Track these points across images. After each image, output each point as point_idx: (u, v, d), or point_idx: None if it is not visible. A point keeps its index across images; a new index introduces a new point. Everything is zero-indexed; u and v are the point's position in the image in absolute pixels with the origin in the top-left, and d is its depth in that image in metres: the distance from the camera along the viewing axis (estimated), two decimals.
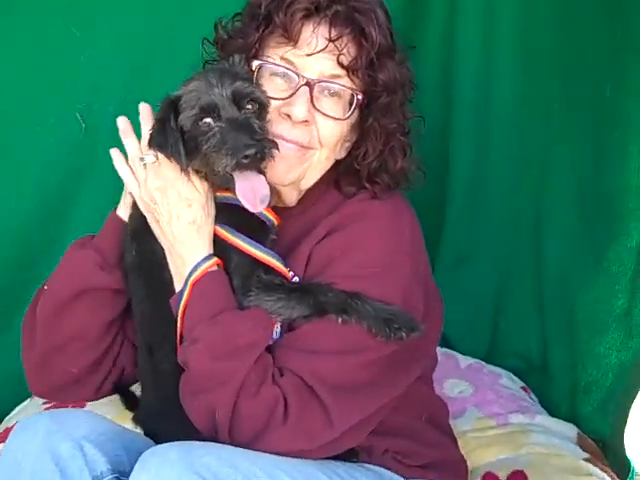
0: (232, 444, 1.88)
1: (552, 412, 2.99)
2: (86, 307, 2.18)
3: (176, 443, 1.81)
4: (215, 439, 1.89)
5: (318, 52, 2.04)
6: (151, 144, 2.02)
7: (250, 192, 1.97)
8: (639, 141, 2.56)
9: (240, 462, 1.79)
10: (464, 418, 2.86)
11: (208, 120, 1.98)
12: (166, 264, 2.08)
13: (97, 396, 2.37)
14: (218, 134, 1.96)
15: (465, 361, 3.26)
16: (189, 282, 2.00)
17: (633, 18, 2.51)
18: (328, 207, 2.18)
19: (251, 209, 1.98)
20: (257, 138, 1.95)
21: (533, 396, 3.15)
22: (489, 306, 3.42)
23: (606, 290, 2.74)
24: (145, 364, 2.19)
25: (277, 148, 2.00)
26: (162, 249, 2.09)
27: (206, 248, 2.04)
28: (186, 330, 1.99)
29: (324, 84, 2.07)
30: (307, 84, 2.05)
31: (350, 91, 2.09)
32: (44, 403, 2.97)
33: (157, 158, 2.03)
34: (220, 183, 2.04)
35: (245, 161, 1.91)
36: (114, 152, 2.12)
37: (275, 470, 1.82)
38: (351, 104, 2.11)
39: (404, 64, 2.15)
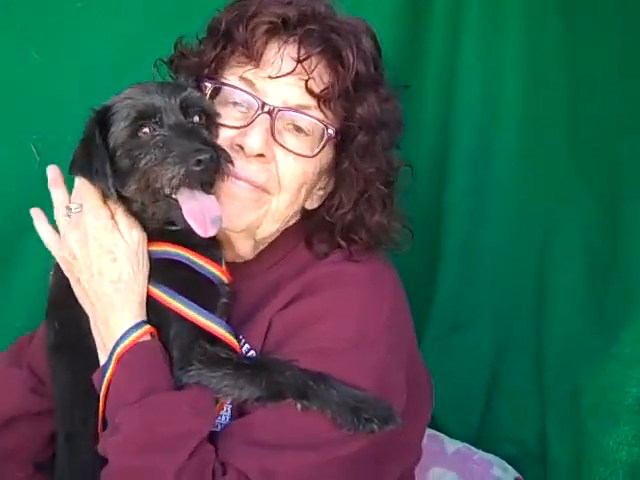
0: None
1: None
2: (20, 431, 1.99)
3: None
4: None
5: (283, 75, 1.79)
6: (73, 169, 1.77)
7: (199, 213, 1.69)
8: None
9: None
10: None
11: (147, 129, 1.71)
12: (91, 334, 1.79)
13: None
14: (161, 143, 1.67)
15: (452, 445, 2.92)
16: (114, 355, 1.70)
17: None
18: (295, 268, 1.90)
19: (201, 233, 1.69)
20: (210, 143, 1.69)
21: None
22: (482, 383, 3.10)
23: (617, 376, 2.46)
24: (63, 456, 1.88)
25: (232, 163, 1.74)
26: (87, 317, 1.80)
27: (135, 313, 1.74)
28: (109, 414, 1.69)
29: (288, 114, 1.81)
30: (268, 112, 1.79)
31: (320, 125, 1.83)
32: None
33: (82, 207, 1.78)
34: (160, 212, 1.75)
35: (197, 168, 1.63)
36: (34, 212, 1.91)
37: None
38: (322, 140, 1.83)
39: (391, 101, 1.90)
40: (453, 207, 3.04)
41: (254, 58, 1.79)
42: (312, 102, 1.81)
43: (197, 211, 1.68)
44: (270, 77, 1.79)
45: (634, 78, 2.45)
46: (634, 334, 2.43)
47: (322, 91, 1.80)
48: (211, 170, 1.66)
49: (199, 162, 1.62)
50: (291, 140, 1.82)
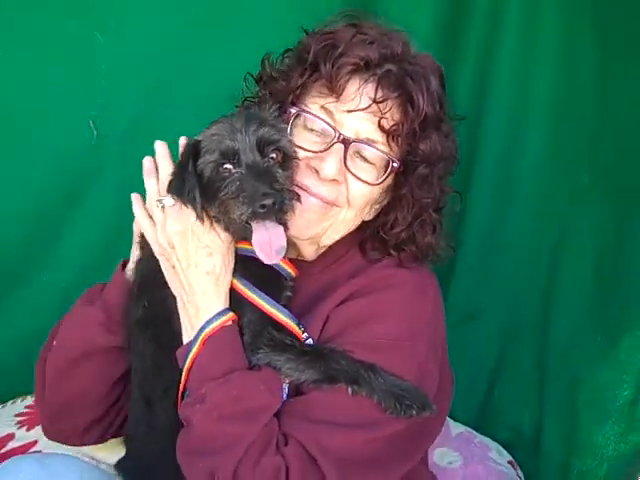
0: None
1: None
2: (93, 367, 2.13)
3: None
4: None
5: (360, 110, 1.95)
6: (170, 190, 1.95)
7: (266, 243, 1.89)
8: None
9: None
10: None
11: (228, 166, 1.90)
12: (176, 314, 1.98)
13: (102, 441, 2.32)
14: (237, 181, 1.88)
15: (456, 429, 3.15)
16: (201, 335, 1.90)
17: None
18: (350, 269, 2.09)
19: (266, 260, 1.90)
20: (277, 188, 1.87)
21: (520, 473, 3.03)
22: (486, 371, 3.30)
23: (612, 377, 2.61)
24: (140, 417, 2.09)
25: (299, 200, 1.92)
26: (173, 298, 1.99)
27: (222, 301, 1.94)
28: (192, 386, 1.89)
29: (360, 146, 1.97)
30: (343, 141, 1.96)
31: (386, 157, 2.00)
32: (16, 415, 2.94)
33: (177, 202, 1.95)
34: (238, 232, 1.95)
35: (261, 211, 1.84)
36: (134, 196, 2.05)
37: None
38: (386, 169, 2.02)
39: (450, 137, 2.06)
40: (475, 205, 3.17)
41: (336, 92, 1.94)
42: (381, 138, 1.97)
43: (264, 241, 1.88)
44: (348, 111, 1.95)
45: None
46: (629, 341, 2.53)
47: (391, 128, 1.95)
48: (274, 211, 1.85)
49: (263, 207, 1.82)
50: (360, 167, 1.99)
